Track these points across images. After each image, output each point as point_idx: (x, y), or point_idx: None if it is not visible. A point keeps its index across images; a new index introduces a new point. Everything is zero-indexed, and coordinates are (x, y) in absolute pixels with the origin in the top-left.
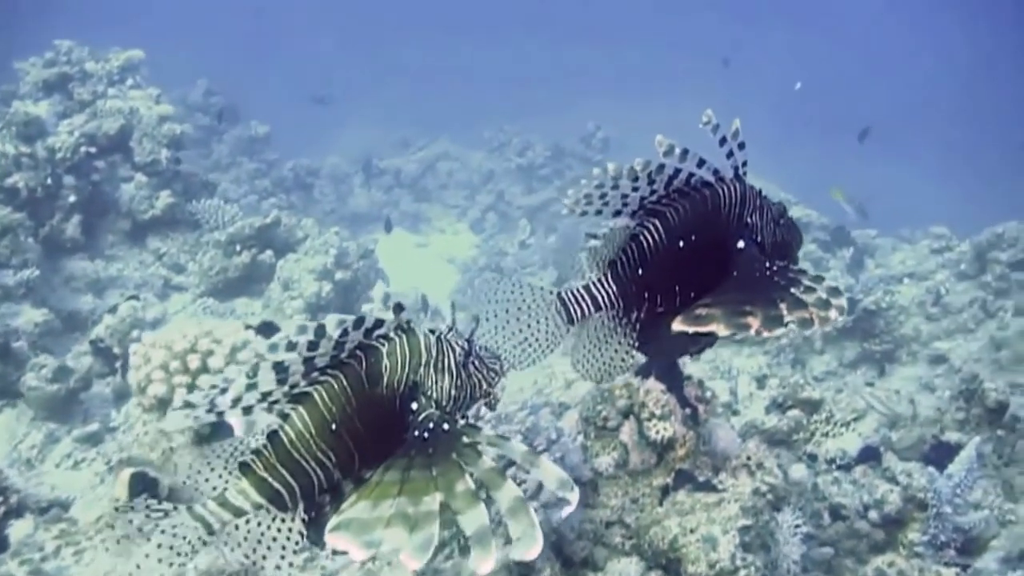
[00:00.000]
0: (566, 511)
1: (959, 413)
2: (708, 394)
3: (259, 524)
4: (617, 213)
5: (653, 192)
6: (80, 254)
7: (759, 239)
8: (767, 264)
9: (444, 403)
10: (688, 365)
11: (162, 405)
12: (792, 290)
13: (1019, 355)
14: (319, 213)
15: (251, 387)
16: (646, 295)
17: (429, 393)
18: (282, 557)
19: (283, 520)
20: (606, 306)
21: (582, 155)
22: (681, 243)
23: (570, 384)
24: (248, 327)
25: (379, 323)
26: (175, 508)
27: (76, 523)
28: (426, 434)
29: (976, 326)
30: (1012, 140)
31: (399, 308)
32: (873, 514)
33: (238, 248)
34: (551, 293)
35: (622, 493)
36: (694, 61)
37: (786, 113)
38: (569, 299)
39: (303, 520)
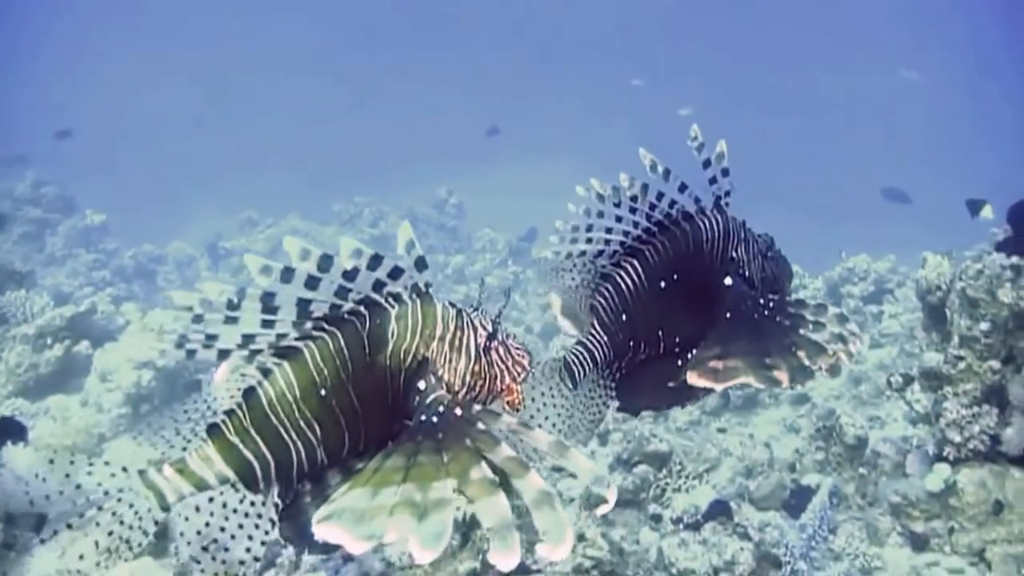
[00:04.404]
0: (602, 509)
1: (818, 453)
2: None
3: (224, 506)
4: (600, 253)
5: (636, 224)
6: None
7: (747, 274)
8: (760, 300)
9: (456, 389)
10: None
11: None
12: (802, 330)
13: (878, 388)
14: (164, 300)
15: (231, 321)
16: (630, 343)
17: (440, 373)
18: (247, 549)
19: (252, 503)
20: (600, 360)
21: (436, 221)
22: (663, 284)
23: None
24: None
25: (396, 272)
26: (124, 469)
27: None
28: (435, 418)
29: None
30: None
31: (421, 263)
32: None
33: (49, 341)
34: (556, 360)
35: None
36: (551, 127)
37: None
38: (574, 362)
39: (276, 506)
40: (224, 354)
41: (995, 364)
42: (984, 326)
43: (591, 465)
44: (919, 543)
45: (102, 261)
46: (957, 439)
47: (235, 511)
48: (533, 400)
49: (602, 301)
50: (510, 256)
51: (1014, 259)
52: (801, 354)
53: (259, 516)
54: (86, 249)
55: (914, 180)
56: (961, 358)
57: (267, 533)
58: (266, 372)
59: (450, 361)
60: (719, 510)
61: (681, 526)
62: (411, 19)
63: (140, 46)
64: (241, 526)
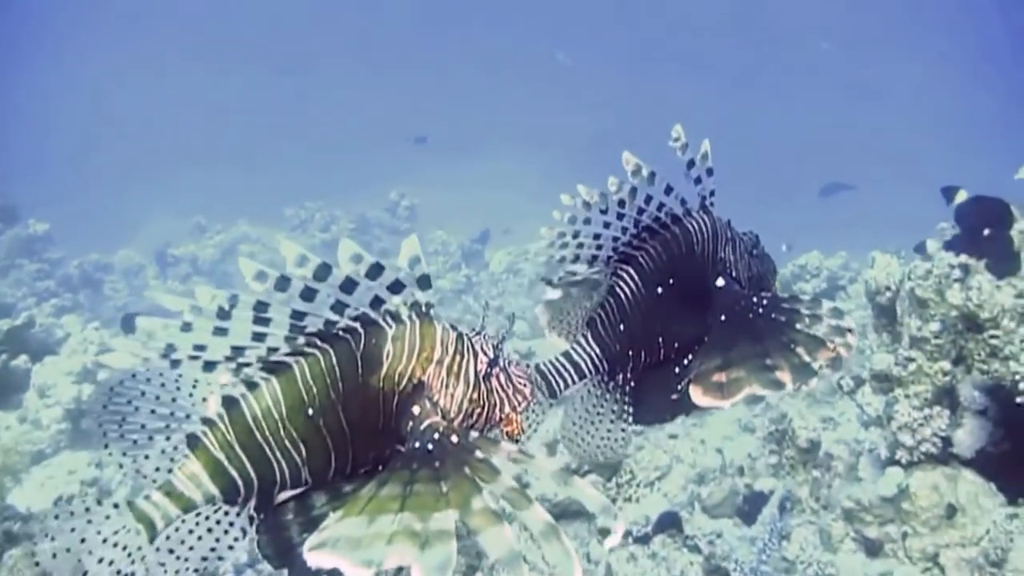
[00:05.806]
0: (611, 541)
1: (772, 457)
2: None
3: (198, 523)
4: (592, 259)
5: (624, 230)
6: None
7: (735, 274)
8: (754, 299)
9: (453, 416)
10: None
11: None
12: (798, 325)
13: (831, 386)
14: (111, 310)
15: (220, 332)
16: (630, 353)
17: (436, 399)
18: (219, 557)
19: (226, 513)
20: (590, 372)
21: (388, 225)
22: (659, 289)
23: None
24: None
25: (397, 286)
26: (115, 506)
27: None
28: (430, 446)
29: None
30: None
31: (425, 282)
32: None
33: None
34: (528, 367)
35: None
36: (502, 127)
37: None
38: (550, 371)
39: (250, 518)
40: (211, 366)
41: (946, 365)
42: (934, 327)
43: (598, 495)
44: (873, 549)
45: (46, 271)
46: (909, 442)
47: (212, 524)
48: None
49: (601, 313)
50: (463, 259)
51: (962, 258)
52: (800, 350)
53: (230, 524)
54: (29, 259)
55: (870, 173)
56: (911, 359)
57: (236, 540)
58: (252, 386)
59: (447, 387)
60: (669, 521)
61: (630, 539)
62: (358, 15)
63: (88, 50)
64: (217, 539)
